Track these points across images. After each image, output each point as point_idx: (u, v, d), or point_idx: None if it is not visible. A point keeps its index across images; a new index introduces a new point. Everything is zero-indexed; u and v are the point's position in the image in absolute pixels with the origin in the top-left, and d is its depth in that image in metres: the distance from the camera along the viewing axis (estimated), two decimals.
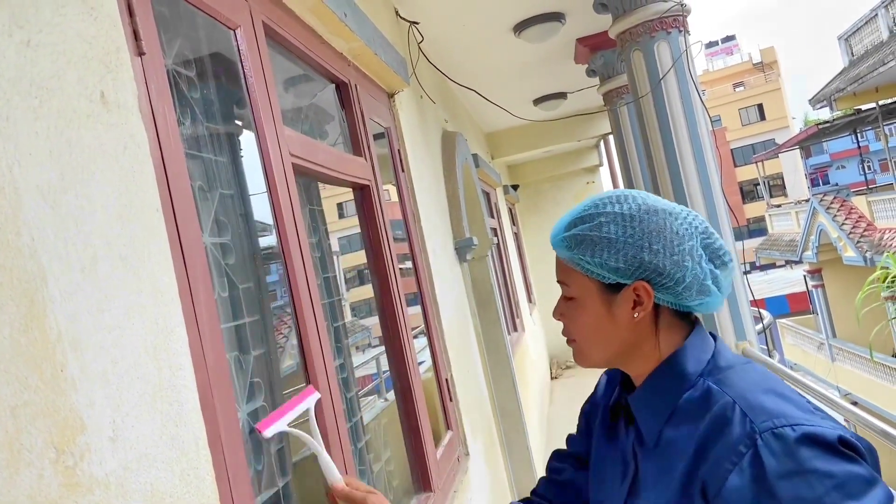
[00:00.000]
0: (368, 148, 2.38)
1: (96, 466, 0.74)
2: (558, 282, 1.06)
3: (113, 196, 0.87)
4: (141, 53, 1.02)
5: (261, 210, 1.62)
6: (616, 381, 1.13)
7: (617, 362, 1.05)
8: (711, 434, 0.89)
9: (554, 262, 1.07)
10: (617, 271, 0.98)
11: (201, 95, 1.47)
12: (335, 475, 1.17)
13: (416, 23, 3.36)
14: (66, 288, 0.76)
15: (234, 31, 1.46)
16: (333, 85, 2.28)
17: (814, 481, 0.81)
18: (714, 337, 1.03)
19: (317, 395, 1.31)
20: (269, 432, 1.16)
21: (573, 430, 1.27)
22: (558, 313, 1.07)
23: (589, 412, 1.20)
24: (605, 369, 1.18)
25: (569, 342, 1.07)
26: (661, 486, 0.94)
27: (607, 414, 1.11)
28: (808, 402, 0.91)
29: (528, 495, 1.31)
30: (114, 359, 0.80)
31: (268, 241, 1.68)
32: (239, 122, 1.71)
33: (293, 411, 1.24)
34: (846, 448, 0.83)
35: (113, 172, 0.89)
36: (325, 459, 1.19)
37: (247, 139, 1.65)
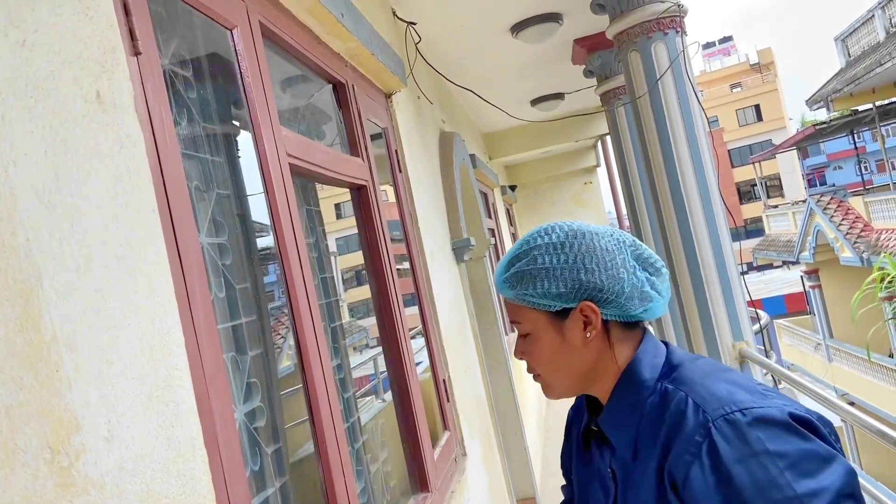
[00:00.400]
0: (366, 148, 2.38)
1: (91, 467, 0.74)
2: (511, 322, 1.10)
3: (109, 196, 0.87)
4: (137, 53, 1.02)
5: (258, 210, 1.62)
6: (583, 409, 1.16)
7: (582, 387, 1.09)
8: (671, 430, 0.92)
9: None
10: (560, 297, 1.02)
11: (198, 95, 1.47)
12: None
13: (414, 23, 3.35)
14: (62, 288, 0.76)
15: (231, 31, 1.46)
16: (330, 85, 2.28)
17: (767, 463, 0.83)
18: (666, 344, 1.07)
19: None
20: None
21: None
22: (519, 352, 1.11)
23: (566, 452, 1.22)
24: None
25: (535, 378, 1.11)
26: (642, 492, 0.96)
27: (581, 443, 1.14)
28: (759, 384, 0.95)
29: None
30: (109, 359, 0.80)
31: (265, 241, 1.68)
32: (236, 123, 1.71)
33: None
34: (799, 425, 0.86)
35: (109, 172, 0.88)
36: None
37: (244, 139, 1.65)
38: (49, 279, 0.74)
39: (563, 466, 1.25)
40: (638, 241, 1.07)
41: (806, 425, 0.87)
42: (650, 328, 1.09)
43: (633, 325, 1.06)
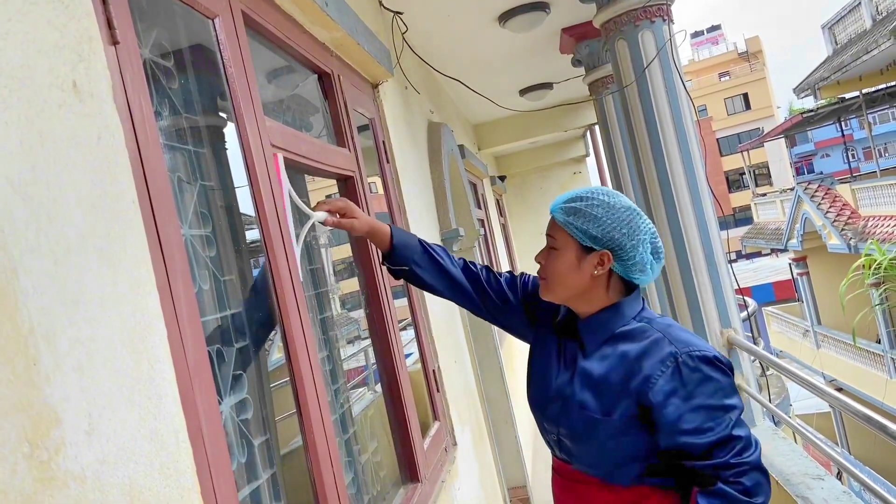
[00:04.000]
0: (352, 139, 2.36)
1: (72, 461, 0.73)
2: (547, 235, 1.48)
3: (86, 187, 0.86)
4: (115, 42, 1.00)
5: (246, 202, 1.60)
6: (552, 310, 1.59)
7: (570, 301, 1.49)
8: (647, 353, 1.37)
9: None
10: (594, 239, 1.41)
11: (180, 86, 1.46)
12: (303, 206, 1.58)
13: (400, 13, 3.33)
14: (39, 280, 0.75)
15: (213, 20, 1.44)
16: (316, 75, 2.26)
17: (709, 384, 1.33)
18: (644, 301, 1.51)
19: (280, 156, 1.62)
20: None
21: None
22: (541, 258, 1.50)
23: (534, 302, 1.63)
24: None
25: (540, 279, 1.52)
26: (600, 389, 1.40)
27: (552, 330, 1.57)
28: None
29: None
30: (89, 352, 0.79)
31: (254, 233, 1.66)
32: (222, 114, 1.69)
33: (283, 180, 1.57)
34: (722, 364, 1.35)
35: (87, 163, 0.87)
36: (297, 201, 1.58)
37: (230, 131, 1.63)
38: (26, 271, 0.73)
39: (519, 277, 1.71)
40: (657, 234, 1.47)
41: (725, 364, 1.36)
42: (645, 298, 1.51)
43: (630, 286, 1.46)
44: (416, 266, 1.69)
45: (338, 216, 1.64)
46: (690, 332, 1.44)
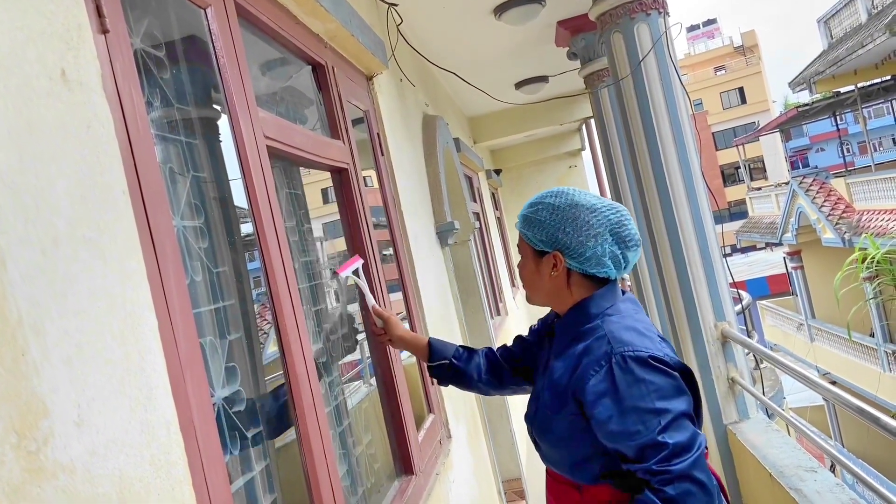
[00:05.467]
0: (346, 131, 2.35)
1: (61, 451, 0.72)
2: (518, 245, 1.58)
3: (75, 177, 0.85)
4: (105, 31, 0.99)
5: (240, 194, 1.59)
6: (548, 321, 1.67)
7: (548, 304, 1.56)
8: (587, 351, 1.38)
9: None
10: (542, 242, 1.47)
11: (171, 76, 1.44)
12: (373, 301, 1.91)
13: (395, 4, 3.32)
14: (27, 270, 0.74)
15: (205, 10, 1.43)
16: (310, 67, 2.25)
17: (641, 385, 1.30)
18: (624, 293, 1.51)
19: (361, 261, 1.96)
20: (343, 275, 1.94)
21: None
22: (518, 266, 1.59)
23: (526, 338, 1.79)
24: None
25: (524, 286, 1.60)
26: (555, 388, 1.43)
27: (545, 332, 1.66)
28: (656, 335, 1.41)
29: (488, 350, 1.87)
30: (78, 343, 0.79)
31: (248, 225, 1.65)
32: (215, 106, 1.68)
33: (349, 268, 1.92)
34: (661, 364, 1.32)
35: (76, 152, 0.86)
36: (367, 291, 1.89)
37: (222, 122, 1.62)
38: (14, 262, 0.72)
39: (515, 339, 1.81)
40: (625, 222, 1.45)
41: (664, 364, 1.32)
42: (626, 286, 1.44)
43: (598, 279, 1.47)
44: (454, 359, 1.81)
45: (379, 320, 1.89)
46: (638, 330, 1.39)
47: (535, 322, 1.79)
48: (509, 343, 1.86)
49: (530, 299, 1.59)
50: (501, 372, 1.79)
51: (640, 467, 1.28)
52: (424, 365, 1.89)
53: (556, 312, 1.58)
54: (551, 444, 1.47)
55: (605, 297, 1.46)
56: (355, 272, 1.92)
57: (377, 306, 1.89)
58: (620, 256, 1.44)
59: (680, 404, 1.31)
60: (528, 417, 1.56)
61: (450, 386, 1.87)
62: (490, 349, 1.86)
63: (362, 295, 1.92)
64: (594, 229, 1.42)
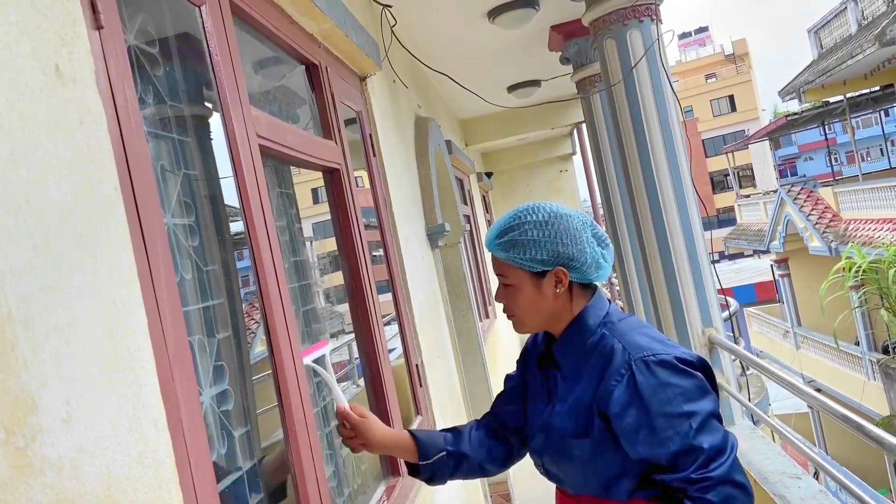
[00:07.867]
0: (339, 131, 2.35)
1: (48, 448, 0.72)
2: (497, 274, 1.44)
3: (67, 172, 0.85)
4: (99, 27, 0.99)
5: (231, 193, 1.59)
6: (540, 341, 1.52)
7: (545, 326, 1.44)
8: (604, 365, 1.31)
9: None
10: (542, 262, 1.37)
11: (165, 74, 1.44)
12: (341, 399, 1.49)
13: (389, 6, 3.32)
14: (18, 265, 0.74)
15: (199, 7, 1.43)
16: (303, 66, 2.25)
17: (667, 389, 1.26)
18: (609, 301, 1.45)
19: (328, 346, 1.62)
20: (305, 361, 1.53)
21: None
22: (500, 297, 1.45)
23: (522, 362, 1.59)
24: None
25: (509, 317, 1.46)
26: (576, 410, 1.34)
27: (536, 362, 1.51)
28: (666, 337, 1.38)
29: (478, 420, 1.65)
30: (67, 339, 0.79)
31: (238, 224, 1.65)
32: (208, 104, 1.68)
33: (312, 354, 1.55)
34: (685, 366, 1.28)
35: (68, 148, 0.86)
36: (335, 387, 1.51)
37: (216, 121, 1.62)
38: (3, 256, 0.72)
39: (505, 382, 1.61)
40: (593, 221, 1.43)
41: (689, 364, 1.28)
42: (605, 290, 1.40)
43: (588, 286, 1.42)
44: (448, 445, 1.50)
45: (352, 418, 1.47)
46: (650, 335, 1.35)
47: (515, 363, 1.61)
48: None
49: (523, 327, 1.45)
50: (505, 435, 1.55)
51: (676, 477, 1.23)
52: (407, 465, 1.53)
53: (544, 338, 1.48)
54: (576, 469, 1.37)
55: (597, 305, 1.40)
56: (319, 361, 1.53)
57: (346, 408, 1.47)
58: (601, 256, 1.40)
59: (707, 404, 1.26)
60: (536, 450, 1.45)
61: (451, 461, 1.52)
62: (476, 420, 1.61)
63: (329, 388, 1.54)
64: (581, 234, 1.37)
